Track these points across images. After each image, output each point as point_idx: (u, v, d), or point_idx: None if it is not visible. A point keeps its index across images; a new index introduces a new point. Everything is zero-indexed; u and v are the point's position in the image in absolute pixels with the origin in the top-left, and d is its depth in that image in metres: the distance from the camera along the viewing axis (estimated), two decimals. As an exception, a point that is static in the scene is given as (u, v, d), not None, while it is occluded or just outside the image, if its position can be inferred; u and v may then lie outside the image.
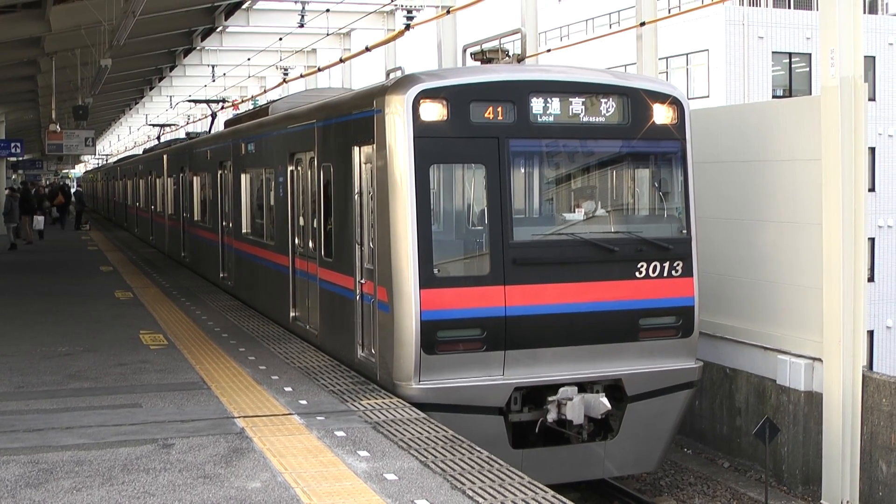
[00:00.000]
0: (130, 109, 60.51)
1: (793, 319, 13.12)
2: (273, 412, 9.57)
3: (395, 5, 26.35)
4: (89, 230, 42.96)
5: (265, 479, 7.49)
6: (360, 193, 11.46)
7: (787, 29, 36.97)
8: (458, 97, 10.45)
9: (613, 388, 10.95)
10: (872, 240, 35.02)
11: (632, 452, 11.24)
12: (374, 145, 10.79)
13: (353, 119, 11.71)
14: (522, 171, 11.36)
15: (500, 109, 10.57)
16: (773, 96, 35.85)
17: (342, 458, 8.04)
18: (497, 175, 10.51)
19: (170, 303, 17.69)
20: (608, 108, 10.97)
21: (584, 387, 10.71)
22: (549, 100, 10.75)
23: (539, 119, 10.73)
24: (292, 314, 14.33)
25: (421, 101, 10.31)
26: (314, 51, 36.79)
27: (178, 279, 21.81)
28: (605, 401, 10.54)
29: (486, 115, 10.52)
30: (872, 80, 36.15)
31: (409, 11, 25.09)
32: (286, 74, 38.23)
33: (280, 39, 32.74)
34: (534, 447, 10.84)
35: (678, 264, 11.09)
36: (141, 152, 45.18)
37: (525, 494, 7.14)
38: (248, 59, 37.49)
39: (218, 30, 32.48)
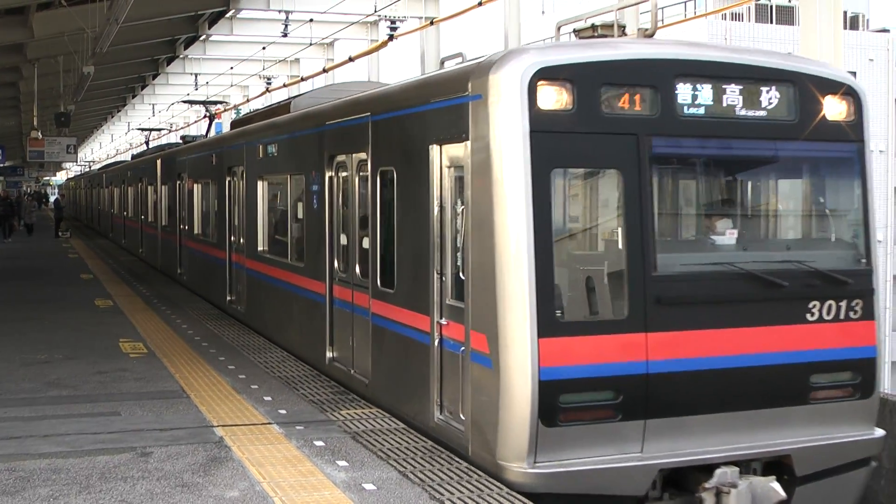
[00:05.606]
0: (113, 117, 60.55)
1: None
2: (252, 421, 9.55)
3: (379, 16, 26.45)
4: (70, 238, 42.75)
5: (243, 488, 7.47)
6: (442, 207, 8.86)
7: (769, 44, 37.18)
8: (587, 79, 7.83)
9: (774, 467, 8.43)
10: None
11: None
12: (469, 143, 8.18)
13: (433, 109, 9.01)
14: (668, 179, 8.72)
15: (637, 97, 8.02)
16: (755, 111, 36.04)
17: (321, 467, 8.03)
18: (636, 185, 7.90)
19: (150, 311, 17.62)
20: (770, 99, 8.39)
21: (739, 465, 8.15)
22: (699, 86, 8.15)
23: (686, 111, 8.12)
24: (329, 354, 11.86)
25: (539, 83, 7.70)
26: (297, 60, 36.88)
27: (157, 287, 21.72)
28: (777, 488, 8.08)
29: (620, 104, 7.99)
30: (853, 95, 36.37)
31: (393, 22, 25.22)
32: (269, 84, 38.28)
33: (263, 49, 32.79)
34: None
35: (857, 304, 8.56)
36: (129, 158, 42.90)
37: (503, 505, 7.15)
38: (231, 68, 37.54)
39: (201, 38, 32.54)
